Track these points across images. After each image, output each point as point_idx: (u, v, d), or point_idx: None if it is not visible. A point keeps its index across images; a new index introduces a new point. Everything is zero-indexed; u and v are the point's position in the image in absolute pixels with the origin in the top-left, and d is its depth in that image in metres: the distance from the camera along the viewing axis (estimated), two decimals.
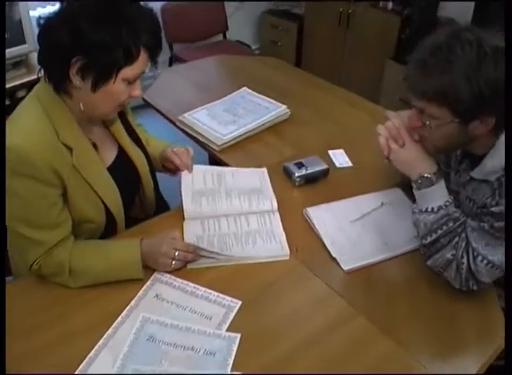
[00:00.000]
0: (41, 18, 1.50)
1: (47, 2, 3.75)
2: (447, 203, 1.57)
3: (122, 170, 1.81)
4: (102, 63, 1.47)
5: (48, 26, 1.48)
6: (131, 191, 1.90)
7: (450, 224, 1.55)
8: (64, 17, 1.46)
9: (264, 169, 2.11)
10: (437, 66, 1.42)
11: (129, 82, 1.55)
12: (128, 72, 1.51)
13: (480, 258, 1.51)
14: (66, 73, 1.48)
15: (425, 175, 1.59)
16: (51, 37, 1.47)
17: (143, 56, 1.52)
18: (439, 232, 1.55)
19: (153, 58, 1.58)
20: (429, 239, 1.57)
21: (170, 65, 4.56)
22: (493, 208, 1.50)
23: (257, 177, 2.06)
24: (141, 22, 1.49)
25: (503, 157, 1.51)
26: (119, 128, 1.82)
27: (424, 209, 1.59)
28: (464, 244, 1.54)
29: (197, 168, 2.00)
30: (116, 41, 1.45)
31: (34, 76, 1.66)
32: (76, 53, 1.44)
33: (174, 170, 2.02)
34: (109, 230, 1.78)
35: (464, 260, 1.53)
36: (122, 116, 1.83)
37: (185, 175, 1.97)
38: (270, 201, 1.93)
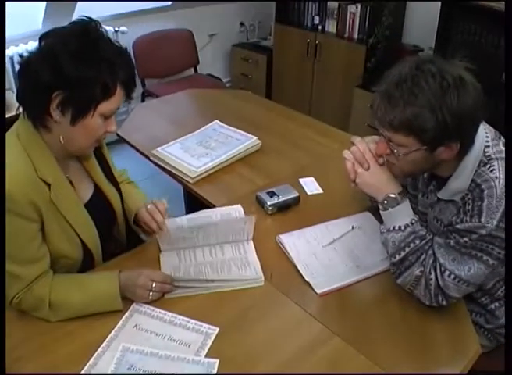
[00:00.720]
0: (19, 56, 1.53)
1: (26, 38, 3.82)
2: (413, 221, 1.63)
3: (99, 207, 1.83)
4: (82, 98, 1.51)
5: (28, 64, 1.52)
6: (107, 227, 1.92)
7: (417, 242, 1.60)
8: (44, 55, 1.50)
9: (239, 206, 2.12)
10: (402, 98, 1.47)
11: (106, 117, 1.60)
12: (105, 107, 1.56)
13: (447, 273, 1.56)
14: (47, 108, 1.52)
15: (391, 195, 1.64)
16: (31, 74, 1.50)
17: (119, 92, 1.57)
18: (407, 250, 1.60)
19: (128, 94, 1.63)
20: (398, 257, 1.62)
21: (143, 100, 4.59)
22: (458, 226, 1.56)
23: (242, 223, 1.96)
24: (118, 59, 1.55)
25: (466, 178, 1.58)
26: (94, 166, 1.84)
27: (391, 228, 1.64)
28: (431, 261, 1.59)
29: (173, 221, 1.94)
30: (95, 77, 1.50)
31: (12, 113, 1.69)
32: (57, 88, 1.49)
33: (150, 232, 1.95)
34: (87, 266, 1.79)
35: (432, 276, 1.58)
36: (97, 149, 1.85)
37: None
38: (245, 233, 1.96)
